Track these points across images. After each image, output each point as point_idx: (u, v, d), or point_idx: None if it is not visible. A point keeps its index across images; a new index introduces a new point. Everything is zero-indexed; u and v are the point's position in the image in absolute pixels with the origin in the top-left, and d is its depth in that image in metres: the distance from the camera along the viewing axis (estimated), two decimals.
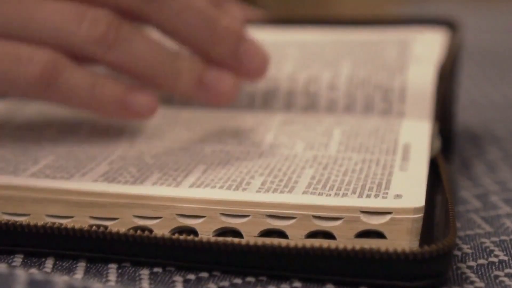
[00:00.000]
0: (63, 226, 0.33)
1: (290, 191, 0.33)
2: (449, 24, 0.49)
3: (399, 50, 0.47)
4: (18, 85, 0.37)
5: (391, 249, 0.30)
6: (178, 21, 0.37)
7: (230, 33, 0.38)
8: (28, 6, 0.37)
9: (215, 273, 0.32)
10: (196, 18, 0.37)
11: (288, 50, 0.48)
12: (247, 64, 0.39)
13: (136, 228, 0.33)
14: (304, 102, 0.43)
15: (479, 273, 0.32)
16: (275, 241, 0.31)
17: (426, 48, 0.46)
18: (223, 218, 0.33)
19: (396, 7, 1.02)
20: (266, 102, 0.44)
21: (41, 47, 0.37)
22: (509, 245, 0.35)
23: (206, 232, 0.33)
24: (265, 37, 0.50)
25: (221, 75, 0.38)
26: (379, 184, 0.34)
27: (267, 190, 0.33)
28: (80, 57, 0.38)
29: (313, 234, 0.32)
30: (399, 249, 0.30)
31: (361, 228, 0.32)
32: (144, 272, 0.32)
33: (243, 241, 0.31)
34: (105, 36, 0.37)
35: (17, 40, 0.37)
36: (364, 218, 0.32)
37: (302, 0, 1.47)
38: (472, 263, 0.33)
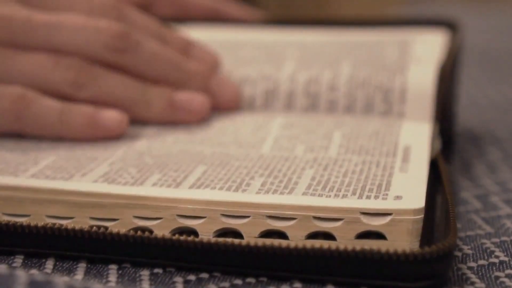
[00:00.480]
0: (63, 227, 0.33)
1: (290, 192, 0.33)
2: (449, 25, 0.49)
3: (400, 50, 0.47)
4: None
5: (391, 250, 0.30)
6: (148, 68, 0.42)
7: (197, 74, 0.43)
8: (7, 57, 0.41)
9: (215, 273, 0.32)
10: (164, 65, 0.43)
11: (289, 50, 0.48)
12: (219, 97, 0.44)
13: (136, 229, 0.33)
14: (305, 102, 0.43)
15: (480, 274, 0.32)
16: (276, 242, 0.31)
17: (427, 49, 0.46)
18: (224, 219, 0.33)
19: (396, 8, 1.02)
20: (267, 102, 0.44)
21: (11, 85, 0.40)
22: (510, 246, 0.35)
23: (206, 233, 0.33)
24: (266, 37, 0.51)
25: (190, 95, 0.43)
26: (379, 185, 0.34)
27: (267, 191, 0.33)
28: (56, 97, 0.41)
29: (313, 235, 0.32)
30: (400, 250, 0.30)
31: (362, 229, 0.31)
32: (145, 273, 0.32)
33: (244, 241, 0.31)
34: (77, 79, 0.41)
35: None
36: (364, 219, 0.32)
37: (303, 1, 1.47)
38: (472, 264, 0.33)
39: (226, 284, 0.31)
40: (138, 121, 0.42)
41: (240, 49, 0.49)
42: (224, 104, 0.44)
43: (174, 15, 0.55)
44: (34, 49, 0.41)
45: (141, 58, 0.42)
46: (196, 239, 0.32)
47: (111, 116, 0.40)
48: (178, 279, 0.32)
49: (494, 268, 0.33)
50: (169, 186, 0.34)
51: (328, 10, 1.46)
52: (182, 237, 0.32)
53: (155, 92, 0.42)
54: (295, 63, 0.46)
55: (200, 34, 0.51)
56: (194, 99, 0.42)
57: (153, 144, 0.40)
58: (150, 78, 0.43)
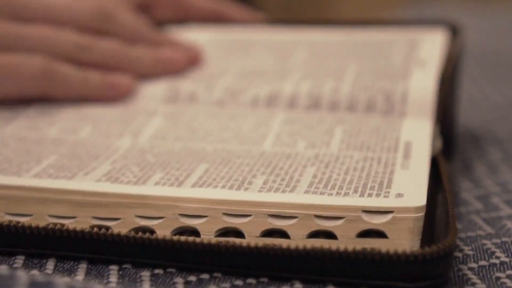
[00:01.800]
0: (64, 228, 0.33)
1: (292, 191, 0.33)
2: (451, 26, 0.49)
3: (406, 51, 0.47)
4: (22, 81, 0.44)
5: (391, 250, 0.30)
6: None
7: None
8: (14, 28, 0.46)
9: (216, 274, 0.32)
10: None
11: (297, 49, 0.48)
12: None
13: (138, 229, 0.33)
14: (307, 103, 0.43)
15: (480, 274, 0.32)
16: (276, 242, 0.31)
17: (430, 50, 0.46)
18: (225, 218, 0.33)
19: (396, 10, 1.02)
20: (269, 104, 0.44)
21: (35, 54, 0.45)
22: (511, 247, 0.35)
23: (208, 232, 0.33)
24: (274, 37, 0.51)
25: (170, 52, 0.49)
26: (381, 183, 0.34)
27: (269, 190, 0.33)
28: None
29: (314, 234, 0.32)
30: (400, 250, 0.30)
31: (363, 227, 0.31)
32: (145, 274, 0.32)
33: (244, 242, 0.31)
34: (80, 41, 0.46)
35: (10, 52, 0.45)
36: (366, 217, 0.32)
37: (302, 3, 1.47)
38: (473, 265, 0.33)
39: (227, 284, 0.31)
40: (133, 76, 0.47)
41: (247, 52, 0.49)
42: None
43: (174, 17, 0.55)
44: (33, 22, 0.46)
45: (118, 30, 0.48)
46: (197, 240, 0.32)
47: (122, 80, 0.46)
48: (179, 280, 0.32)
49: (495, 269, 0.33)
50: (171, 185, 0.34)
51: (328, 12, 1.46)
52: (183, 238, 0.32)
53: (142, 50, 0.48)
54: (300, 73, 0.46)
55: (204, 36, 0.51)
56: (174, 54, 0.48)
57: (155, 141, 0.40)
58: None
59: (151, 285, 0.31)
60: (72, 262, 0.33)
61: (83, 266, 0.33)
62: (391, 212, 0.31)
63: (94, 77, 0.46)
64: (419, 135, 0.39)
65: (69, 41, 0.46)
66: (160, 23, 0.53)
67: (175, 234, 0.32)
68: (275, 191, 0.33)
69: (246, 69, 0.47)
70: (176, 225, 0.33)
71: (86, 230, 0.32)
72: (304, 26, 0.52)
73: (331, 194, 0.33)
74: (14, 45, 0.45)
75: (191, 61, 0.49)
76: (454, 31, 0.49)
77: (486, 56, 0.70)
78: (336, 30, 0.51)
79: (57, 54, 0.46)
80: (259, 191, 0.33)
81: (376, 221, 0.31)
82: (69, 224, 0.33)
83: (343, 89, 0.44)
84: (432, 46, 0.47)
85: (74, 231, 0.33)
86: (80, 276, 0.32)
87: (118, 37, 0.48)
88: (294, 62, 0.47)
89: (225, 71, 0.47)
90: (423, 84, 0.43)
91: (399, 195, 0.32)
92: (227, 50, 0.50)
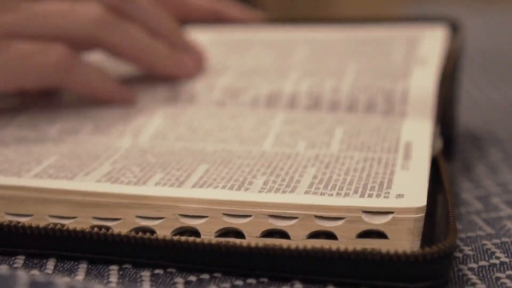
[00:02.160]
0: (64, 228, 0.33)
1: (292, 191, 0.33)
2: (451, 23, 0.49)
3: (407, 48, 0.47)
4: (41, 71, 0.42)
5: (392, 250, 0.30)
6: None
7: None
8: (26, 5, 0.42)
9: (216, 274, 0.32)
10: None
11: (298, 47, 0.48)
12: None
13: (138, 229, 0.33)
14: (307, 103, 0.43)
15: (481, 275, 0.32)
16: (276, 242, 0.31)
17: (430, 48, 0.46)
18: (226, 218, 0.33)
19: (397, 9, 1.02)
20: (269, 103, 0.44)
21: (53, 42, 0.42)
22: (511, 247, 0.35)
23: (208, 232, 0.33)
24: (274, 36, 0.51)
25: (187, 56, 0.47)
26: (381, 184, 0.34)
27: (269, 190, 0.33)
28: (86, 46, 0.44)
29: (315, 235, 0.32)
30: (400, 250, 0.30)
31: (363, 228, 0.31)
32: (146, 274, 0.32)
33: (244, 242, 0.31)
34: (101, 18, 0.43)
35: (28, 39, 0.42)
36: (366, 218, 0.32)
37: (302, 2, 1.47)
38: (473, 265, 0.33)
39: (227, 285, 0.31)
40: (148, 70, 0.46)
41: (247, 51, 0.49)
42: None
43: (174, 16, 0.55)
44: None
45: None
46: (197, 240, 0.32)
47: (189, 60, 0.46)
48: (179, 280, 0.32)
49: (495, 269, 0.33)
50: (172, 185, 0.34)
51: (328, 11, 1.46)
52: (183, 238, 0.32)
53: (161, 47, 0.45)
54: (300, 71, 0.46)
55: (205, 36, 0.51)
56: (190, 60, 0.46)
57: (155, 141, 0.40)
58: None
59: (151, 285, 0.31)
60: (72, 262, 0.33)
61: (83, 266, 0.33)
62: (391, 212, 0.31)
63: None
64: (419, 136, 0.39)
65: (89, 18, 0.43)
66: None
67: (175, 235, 0.32)
68: (275, 192, 0.33)
69: (246, 68, 0.47)
70: (177, 225, 0.33)
71: (87, 230, 0.32)
72: (303, 24, 0.52)
73: (331, 195, 0.33)
74: (30, 29, 0.42)
75: (200, 68, 0.48)
76: (455, 28, 0.49)
77: (487, 56, 0.70)
78: (335, 28, 0.51)
79: (72, 36, 0.43)
80: (260, 191, 0.33)
81: (376, 222, 0.31)
82: (70, 224, 0.33)
83: (343, 88, 0.44)
84: (432, 43, 0.47)
85: (75, 231, 0.33)
86: (80, 276, 0.32)
87: (139, 24, 0.45)
88: (294, 61, 0.47)
89: (225, 70, 0.47)
90: (424, 82, 0.43)
91: (400, 195, 0.32)
92: (227, 49, 0.50)
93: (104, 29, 0.43)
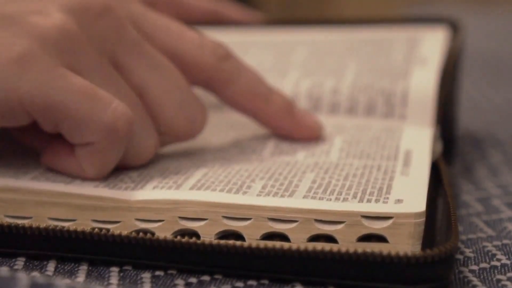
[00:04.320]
0: (65, 229, 0.33)
1: (290, 195, 0.33)
2: (451, 24, 0.49)
3: (407, 48, 0.47)
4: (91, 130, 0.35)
5: (393, 253, 0.30)
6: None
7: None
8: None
9: (216, 276, 0.32)
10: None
11: (297, 48, 0.48)
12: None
13: (138, 231, 0.33)
14: (307, 105, 0.43)
15: (481, 277, 0.32)
16: (277, 244, 0.31)
17: (430, 48, 0.46)
18: (225, 221, 0.33)
19: (398, 10, 1.02)
20: None
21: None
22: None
23: (208, 235, 0.32)
24: (273, 37, 0.51)
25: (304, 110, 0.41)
26: (380, 189, 0.34)
27: (268, 194, 0.33)
28: None
29: (315, 238, 0.32)
30: (401, 253, 0.30)
31: (363, 232, 0.31)
32: (146, 275, 0.32)
33: (245, 244, 0.31)
34: (225, 55, 0.39)
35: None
36: (366, 222, 0.32)
37: (302, 3, 1.47)
38: (474, 267, 0.33)
39: (228, 286, 0.31)
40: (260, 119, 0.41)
41: (247, 52, 0.49)
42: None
43: (173, 18, 0.55)
44: None
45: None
46: (198, 241, 0.32)
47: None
48: (180, 282, 0.32)
49: (496, 271, 0.33)
50: (169, 188, 0.34)
51: (328, 12, 1.46)
52: (184, 239, 0.32)
53: (275, 91, 0.41)
54: (300, 71, 0.46)
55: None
56: (308, 113, 0.41)
57: None
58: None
59: (152, 286, 0.31)
60: (72, 264, 0.33)
61: (83, 268, 0.33)
62: (391, 217, 0.31)
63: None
64: (419, 143, 0.39)
65: (213, 52, 0.39)
66: None
67: (175, 237, 0.32)
68: (273, 196, 0.33)
69: None
70: (176, 227, 0.33)
71: (87, 231, 0.32)
72: (303, 25, 0.52)
73: (330, 199, 0.33)
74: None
75: None
76: (455, 29, 0.49)
77: (487, 58, 0.70)
78: (335, 28, 0.51)
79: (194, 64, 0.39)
80: (258, 195, 0.33)
81: (376, 226, 0.31)
82: (69, 226, 0.33)
83: (343, 89, 0.44)
84: (432, 44, 0.47)
85: (75, 232, 0.32)
86: (80, 277, 0.32)
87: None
88: (294, 61, 0.47)
89: None
90: (424, 83, 0.43)
91: (399, 201, 0.32)
92: None
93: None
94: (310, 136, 0.40)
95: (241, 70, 0.39)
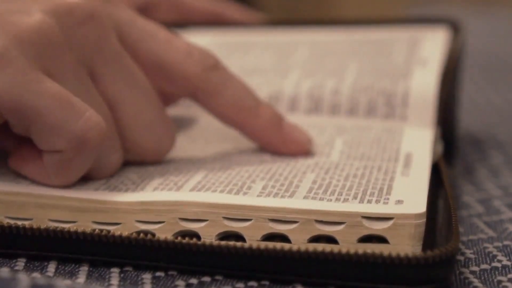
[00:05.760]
0: (65, 230, 0.33)
1: (291, 196, 0.33)
2: (452, 24, 0.49)
3: (408, 48, 0.47)
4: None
5: (394, 253, 0.30)
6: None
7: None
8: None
9: (217, 277, 0.32)
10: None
11: (298, 49, 0.48)
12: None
13: (139, 233, 0.33)
14: (308, 106, 0.43)
15: (482, 278, 0.32)
16: (278, 245, 0.31)
17: (431, 49, 0.46)
18: (226, 222, 0.32)
19: (397, 10, 1.02)
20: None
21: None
22: None
23: (208, 236, 0.32)
24: (274, 38, 0.51)
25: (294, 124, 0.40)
26: (380, 190, 0.34)
27: (268, 195, 0.33)
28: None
29: (315, 239, 0.32)
30: (402, 253, 0.30)
31: (364, 232, 0.31)
32: (147, 276, 0.32)
33: (246, 244, 0.31)
34: (212, 62, 0.38)
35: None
36: (366, 223, 0.31)
37: (303, 4, 1.47)
38: (475, 268, 0.33)
39: (228, 287, 0.31)
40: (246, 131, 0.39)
41: (248, 52, 0.49)
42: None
43: (174, 19, 0.55)
44: None
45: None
46: (198, 242, 0.32)
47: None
48: (180, 283, 0.32)
49: (497, 272, 0.33)
50: (170, 189, 0.34)
51: (328, 13, 1.46)
52: (184, 240, 0.32)
53: (264, 103, 0.39)
54: (300, 71, 0.46)
55: (205, 37, 0.51)
56: (297, 128, 0.39)
57: None
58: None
59: (153, 287, 0.31)
60: (73, 265, 0.33)
61: (84, 269, 0.33)
62: (391, 218, 0.31)
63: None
64: (419, 145, 0.39)
65: (200, 61, 0.38)
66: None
67: (176, 238, 0.32)
68: (274, 196, 0.33)
69: (246, 70, 0.47)
70: (177, 229, 0.33)
71: (88, 232, 0.32)
72: (304, 26, 0.52)
73: (331, 200, 0.33)
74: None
75: None
76: (456, 29, 0.49)
77: (488, 59, 0.70)
78: (336, 29, 0.51)
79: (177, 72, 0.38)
80: (258, 195, 0.33)
81: (377, 227, 0.31)
82: (70, 227, 0.33)
83: (344, 90, 0.43)
84: (433, 44, 0.47)
85: (76, 232, 0.32)
86: (81, 278, 0.32)
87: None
88: (294, 62, 0.47)
89: None
90: (424, 84, 0.43)
91: (399, 201, 0.32)
92: (227, 51, 0.50)
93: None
94: (298, 151, 0.38)
95: (228, 81, 0.38)
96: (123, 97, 0.36)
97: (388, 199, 0.33)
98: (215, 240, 0.32)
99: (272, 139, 0.39)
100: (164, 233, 0.33)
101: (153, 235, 0.33)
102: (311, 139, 0.39)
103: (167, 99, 0.41)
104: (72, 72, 0.35)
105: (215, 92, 0.38)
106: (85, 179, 0.35)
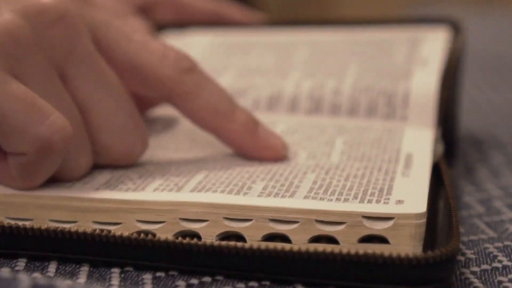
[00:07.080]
0: (66, 230, 0.33)
1: (291, 196, 0.33)
2: (452, 24, 0.49)
3: (408, 49, 0.47)
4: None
5: (394, 254, 0.30)
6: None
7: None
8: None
9: (218, 277, 0.32)
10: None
11: (298, 49, 0.48)
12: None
13: (139, 233, 0.33)
14: (308, 106, 0.43)
15: (483, 278, 0.32)
16: (278, 245, 0.31)
17: (432, 49, 0.46)
18: (226, 222, 0.33)
19: (398, 10, 1.02)
20: (270, 106, 0.44)
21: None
22: None
23: (209, 236, 0.32)
24: (275, 38, 0.51)
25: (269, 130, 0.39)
26: (381, 190, 0.34)
27: (268, 195, 0.33)
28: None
29: (316, 239, 0.32)
30: (403, 254, 0.30)
31: (364, 232, 0.31)
32: (147, 277, 0.32)
33: (246, 245, 0.31)
34: (186, 64, 0.37)
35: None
36: (367, 223, 0.32)
37: (304, 4, 1.48)
38: (475, 269, 0.33)
39: (229, 287, 0.31)
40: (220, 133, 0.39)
41: (248, 52, 0.49)
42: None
43: (174, 19, 0.55)
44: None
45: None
46: (199, 242, 0.32)
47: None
48: (181, 283, 0.32)
49: (497, 272, 0.33)
50: (170, 190, 0.34)
51: (329, 13, 1.46)
52: (185, 240, 0.32)
53: (240, 108, 0.39)
54: (301, 71, 0.46)
55: (205, 38, 0.51)
56: (273, 133, 0.39)
57: (155, 152, 0.39)
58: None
59: (153, 287, 0.31)
60: (74, 265, 0.33)
61: (85, 269, 0.33)
62: (392, 218, 0.31)
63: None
64: (420, 146, 0.39)
65: (175, 64, 0.38)
66: (160, 26, 0.53)
67: (176, 238, 0.32)
68: (274, 196, 0.33)
69: (247, 70, 0.47)
70: (177, 229, 0.33)
71: (88, 232, 0.32)
72: (304, 26, 0.52)
73: (331, 200, 0.33)
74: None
75: None
76: (456, 30, 0.49)
77: (489, 59, 0.70)
78: (337, 29, 0.51)
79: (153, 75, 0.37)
80: (259, 196, 0.33)
81: (378, 227, 0.31)
82: (70, 227, 0.33)
83: (344, 90, 0.44)
84: (434, 44, 0.47)
85: (76, 233, 0.32)
86: (82, 279, 0.32)
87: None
88: (295, 62, 0.47)
89: (225, 72, 0.47)
90: (425, 84, 0.43)
91: (399, 201, 0.32)
92: (228, 51, 0.50)
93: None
94: (272, 157, 0.38)
95: (204, 84, 0.38)
96: (94, 99, 0.36)
97: (388, 199, 0.33)
98: (216, 241, 0.32)
99: (246, 144, 0.38)
100: (164, 233, 0.33)
101: (154, 235, 0.33)
102: (287, 145, 0.39)
103: (145, 103, 0.41)
104: (41, 74, 0.34)
105: (190, 95, 0.37)
106: (53, 181, 0.35)
